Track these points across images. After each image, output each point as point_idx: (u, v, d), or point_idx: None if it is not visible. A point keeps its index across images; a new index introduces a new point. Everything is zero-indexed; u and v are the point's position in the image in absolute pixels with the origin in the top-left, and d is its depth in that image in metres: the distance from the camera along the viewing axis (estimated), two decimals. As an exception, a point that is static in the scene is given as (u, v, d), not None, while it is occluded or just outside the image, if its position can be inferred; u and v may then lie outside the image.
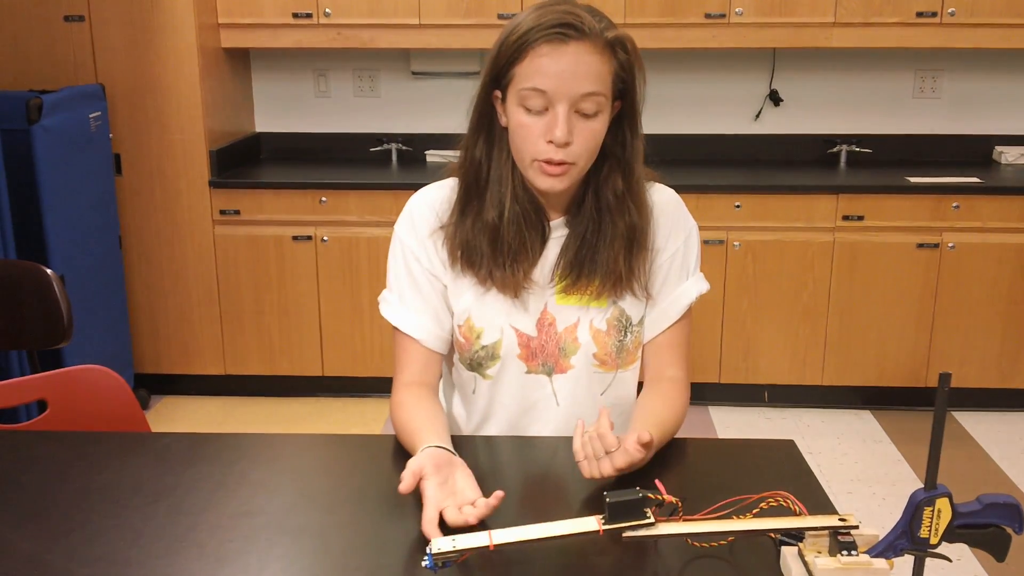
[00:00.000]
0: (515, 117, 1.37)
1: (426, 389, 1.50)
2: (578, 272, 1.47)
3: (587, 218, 1.46)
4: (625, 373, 1.54)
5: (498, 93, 1.41)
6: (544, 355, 1.51)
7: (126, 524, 1.20)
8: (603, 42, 1.35)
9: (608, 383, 1.53)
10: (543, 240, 1.48)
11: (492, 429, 1.57)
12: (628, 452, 1.22)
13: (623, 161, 1.44)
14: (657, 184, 1.54)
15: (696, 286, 1.54)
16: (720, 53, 3.89)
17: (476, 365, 1.52)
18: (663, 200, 1.53)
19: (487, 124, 1.44)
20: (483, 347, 1.50)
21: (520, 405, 1.54)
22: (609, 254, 1.45)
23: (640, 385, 1.58)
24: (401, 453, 1.43)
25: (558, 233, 1.49)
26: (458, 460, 1.26)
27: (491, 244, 1.44)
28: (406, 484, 1.19)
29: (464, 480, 1.22)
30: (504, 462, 1.43)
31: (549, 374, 1.52)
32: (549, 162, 1.36)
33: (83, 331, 3.06)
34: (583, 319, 1.50)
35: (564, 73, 1.32)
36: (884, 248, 3.49)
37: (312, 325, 3.68)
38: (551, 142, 1.35)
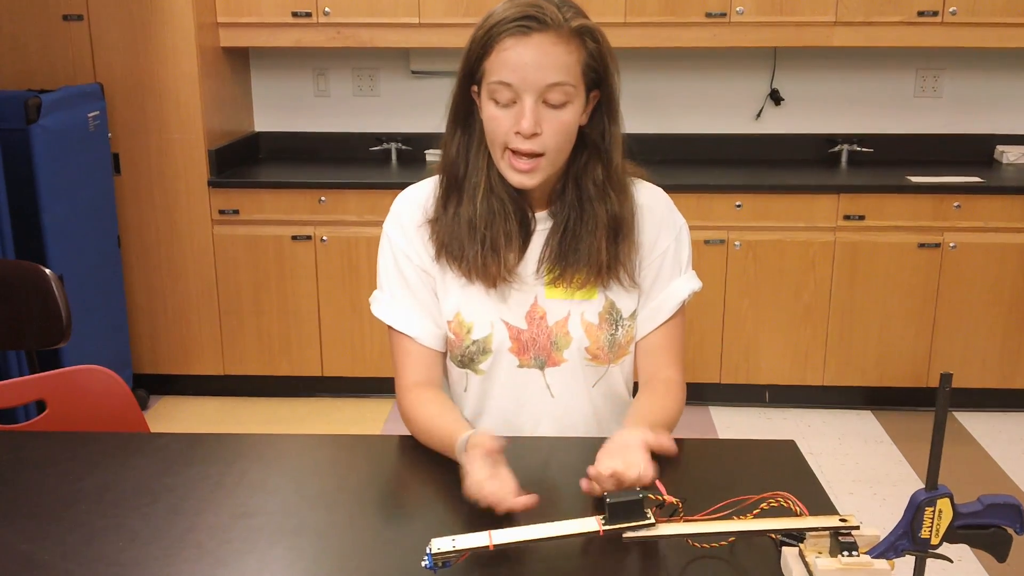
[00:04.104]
0: (486, 110, 1.40)
1: (435, 390, 1.50)
2: (563, 263, 1.47)
3: (568, 208, 1.47)
4: (615, 367, 1.54)
5: (475, 88, 1.43)
6: (536, 348, 1.50)
7: (124, 524, 1.19)
8: (568, 31, 1.36)
9: (600, 376, 1.53)
10: (527, 232, 1.48)
11: (485, 426, 1.56)
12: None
13: (602, 150, 1.45)
14: (646, 183, 1.54)
15: (688, 284, 1.54)
16: (721, 52, 3.88)
17: (468, 361, 1.52)
18: (652, 198, 1.53)
19: (463, 119, 1.46)
20: (474, 342, 1.50)
21: (513, 400, 1.53)
22: (592, 243, 1.45)
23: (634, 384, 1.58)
24: (401, 453, 1.43)
25: (543, 226, 1.49)
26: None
27: (469, 236, 1.46)
28: (498, 441, 1.20)
29: (508, 470, 1.22)
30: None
31: (541, 367, 1.51)
32: (516, 152, 1.38)
33: (82, 331, 3.06)
34: (574, 312, 1.49)
35: (528, 65, 1.34)
36: (885, 248, 3.49)
37: (311, 325, 3.68)
38: (519, 133, 1.36)
